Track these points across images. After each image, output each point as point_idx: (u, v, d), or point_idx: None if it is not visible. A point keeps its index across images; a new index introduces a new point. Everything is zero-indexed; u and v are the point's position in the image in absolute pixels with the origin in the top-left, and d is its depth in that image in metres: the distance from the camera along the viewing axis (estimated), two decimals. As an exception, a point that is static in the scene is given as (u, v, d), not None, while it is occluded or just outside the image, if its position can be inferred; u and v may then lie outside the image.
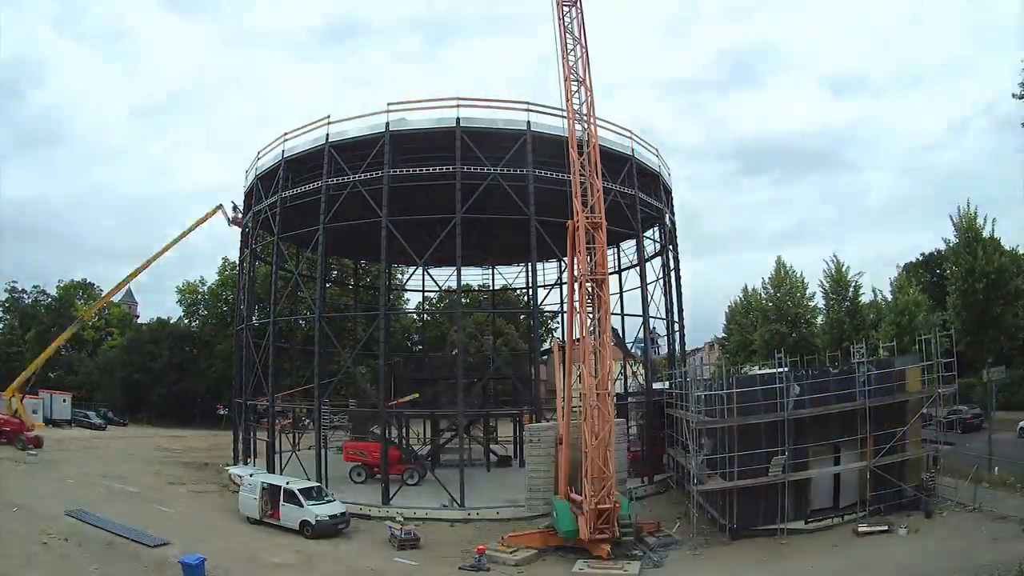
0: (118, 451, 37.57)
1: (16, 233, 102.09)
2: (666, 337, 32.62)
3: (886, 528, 18.37)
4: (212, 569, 15.90)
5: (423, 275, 41.58)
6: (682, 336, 33.81)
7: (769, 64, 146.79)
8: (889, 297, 48.25)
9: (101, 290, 71.99)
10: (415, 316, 60.57)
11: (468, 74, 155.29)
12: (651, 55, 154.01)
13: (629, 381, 35.20)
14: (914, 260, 57.70)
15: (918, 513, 19.73)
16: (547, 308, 39.35)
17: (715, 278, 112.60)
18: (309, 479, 24.25)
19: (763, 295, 54.44)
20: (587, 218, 19.51)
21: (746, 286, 59.78)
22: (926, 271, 55.05)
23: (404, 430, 37.65)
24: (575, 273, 20.14)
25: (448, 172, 25.13)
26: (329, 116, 27.08)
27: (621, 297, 36.61)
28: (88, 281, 71.19)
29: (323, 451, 26.86)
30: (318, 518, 20.17)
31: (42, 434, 35.80)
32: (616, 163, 28.52)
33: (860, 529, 18.44)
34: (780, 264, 53.35)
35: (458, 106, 25.46)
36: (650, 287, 32.09)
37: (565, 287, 26.52)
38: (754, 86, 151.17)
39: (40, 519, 20.00)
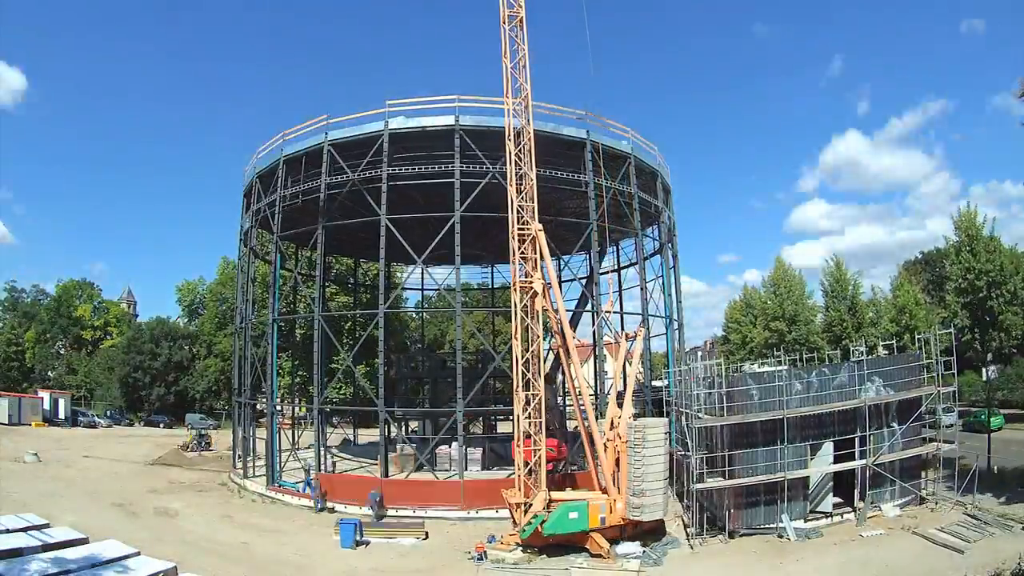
0: (119, 451, 37.57)
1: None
2: (666, 336, 32.58)
3: (883, 532, 18.38)
4: None
5: (422, 273, 41.55)
6: (681, 334, 33.79)
7: None
8: (889, 295, 48.35)
9: (101, 289, 72.23)
10: (414, 315, 60.61)
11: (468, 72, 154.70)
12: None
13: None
14: (914, 258, 57.85)
15: (917, 511, 19.77)
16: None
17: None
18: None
19: (762, 293, 54.54)
20: (519, 230, 20.18)
21: (746, 284, 59.88)
22: (926, 269, 55.11)
23: (404, 429, 37.70)
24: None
25: (447, 170, 25.14)
26: (328, 115, 27.15)
27: (620, 295, 36.67)
28: (88, 280, 71.13)
29: (322, 449, 26.86)
30: None
31: (42, 433, 35.76)
32: (616, 162, 28.54)
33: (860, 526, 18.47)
34: (780, 263, 53.47)
35: (457, 105, 25.48)
36: (649, 285, 32.06)
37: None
38: None
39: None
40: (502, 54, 21.19)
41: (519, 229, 20.30)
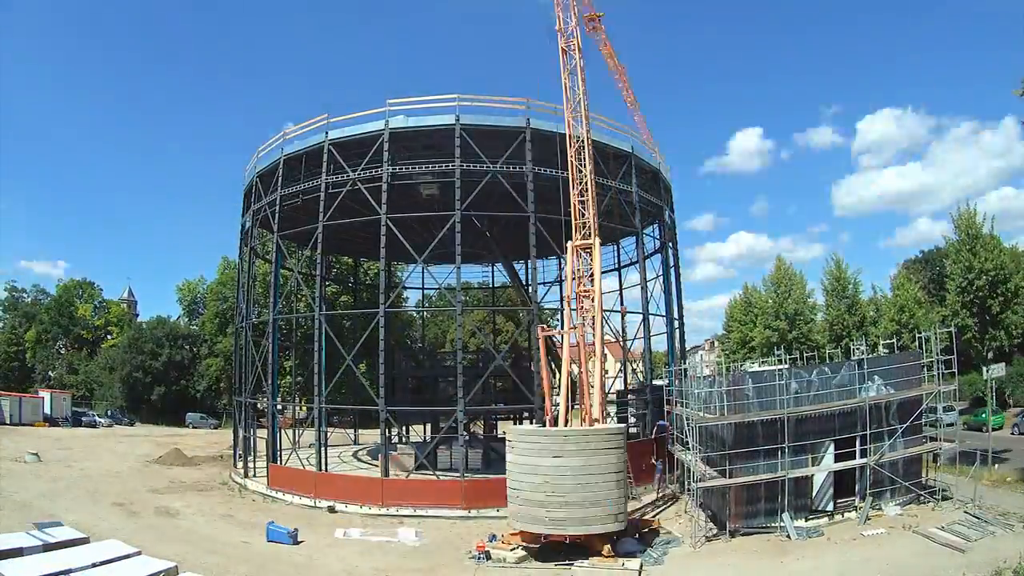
0: (119, 450, 37.61)
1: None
2: (666, 334, 32.59)
3: (884, 531, 18.37)
4: None
5: (423, 272, 41.57)
6: (682, 333, 33.80)
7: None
8: (889, 294, 48.38)
9: (101, 289, 72.26)
10: (415, 314, 60.75)
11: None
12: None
13: (629, 378, 35.25)
14: (914, 257, 57.92)
15: (918, 510, 19.75)
16: (547, 306, 39.38)
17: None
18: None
19: (763, 292, 54.60)
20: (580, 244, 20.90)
21: (746, 284, 59.97)
22: (926, 268, 55.13)
23: (405, 429, 37.73)
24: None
25: (447, 169, 25.14)
26: (328, 115, 27.18)
27: (621, 294, 36.70)
28: (88, 280, 71.10)
29: (323, 449, 26.87)
30: None
31: (42, 433, 35.64)
32: (616, 161, 28.55)
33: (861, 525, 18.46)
34: (780, 262, 53.52)
35: (458, 103, 25.50)
36: (649, 284, 32.11)
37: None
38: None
39: (40, 518, 19.97)
40: (561, 68, 21.90)
41: (579, 243, 21.15)
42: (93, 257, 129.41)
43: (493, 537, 19.24)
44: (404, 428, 37.29)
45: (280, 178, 28.37)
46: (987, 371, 25.01)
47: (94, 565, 13.82)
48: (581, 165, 21.37)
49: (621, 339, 32.87)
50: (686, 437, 20.86)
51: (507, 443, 19.33)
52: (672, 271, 33.32)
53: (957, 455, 21.68)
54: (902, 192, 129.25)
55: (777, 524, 19.01)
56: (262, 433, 30.72)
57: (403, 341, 55.28)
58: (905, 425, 20.38)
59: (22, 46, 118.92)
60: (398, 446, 32.21)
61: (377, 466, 30.10)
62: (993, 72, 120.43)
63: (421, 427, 39.42)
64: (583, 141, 21.45)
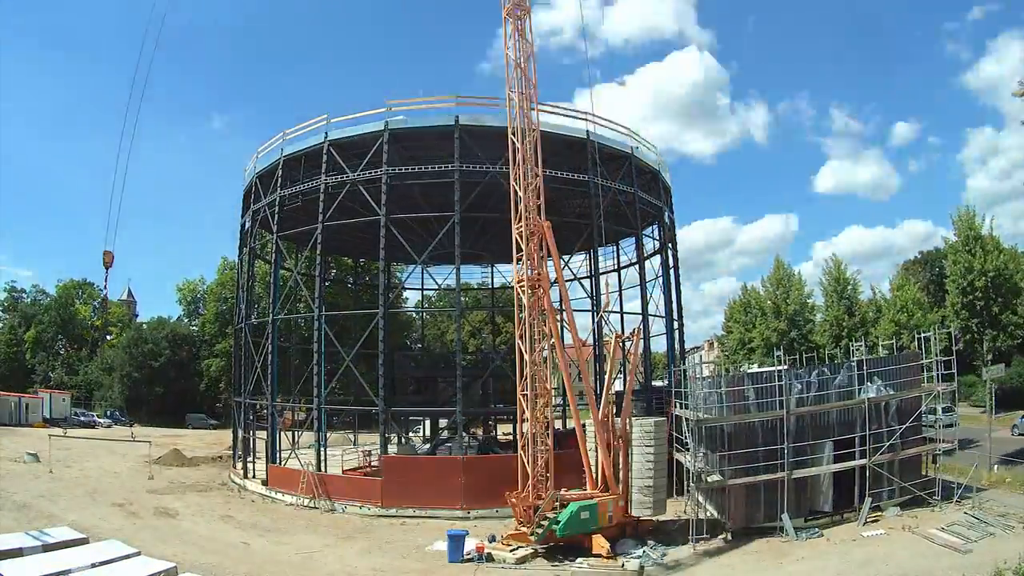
0: (119, 450, 37.56)
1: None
2: (665, 335, 32.60)
3: (884, 532, 18.37)
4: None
5: (422, 273, 41.58)
6: (681, 334, 33.81)
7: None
8: (888, 295, 48.48)
9: (101, 289, 72.24)
10: (414, 315, 60.73)
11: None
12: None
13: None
14: (913, 258, 58.05)
15: (918, 511, 19.76)
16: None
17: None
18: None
19: (762, 293, 54.68)
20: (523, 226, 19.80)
21: (745, 284, 60.05)
22: (925, 269, 55.26)
23: (405, 430, 37.72)
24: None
25: (447, 170, 25.16)
26: (328, 115, 27.22)
27: (620, 295, 36.70)
28: (88, 280, 71.07)
29: (323, 450, 26.87)
30: None
31: (42, 433, 35.54)
32: (616, 161, 28.58)
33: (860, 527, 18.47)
34: (779, 262, 53.63)
35: (457, 104, 25.57)
36: (649, 285, 32.12)
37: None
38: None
39: (39, 519, 20.01)
40: (504, 45, 20.50)
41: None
42: (92, 257, 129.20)
43: (493, 538, 19.22)
44: (404, 429, 37.30)
45: (279, 179, 28.38)
46: (986, 372, 25.05)
47: (93, 566, 13.80)
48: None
49: (620, 338, 32.89)
50: (685, 438, 20.84)
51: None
52: (672, 272, 33.34)
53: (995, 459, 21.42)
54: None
55: (776, 525, 19.02)
56: (261, 434, 30.73)
57: (403, 342, 55.23)
58: (905, 426, 20.39)
59: (22, 46, 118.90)
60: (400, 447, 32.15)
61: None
62: None
63: (421, 428, 39.45)
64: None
